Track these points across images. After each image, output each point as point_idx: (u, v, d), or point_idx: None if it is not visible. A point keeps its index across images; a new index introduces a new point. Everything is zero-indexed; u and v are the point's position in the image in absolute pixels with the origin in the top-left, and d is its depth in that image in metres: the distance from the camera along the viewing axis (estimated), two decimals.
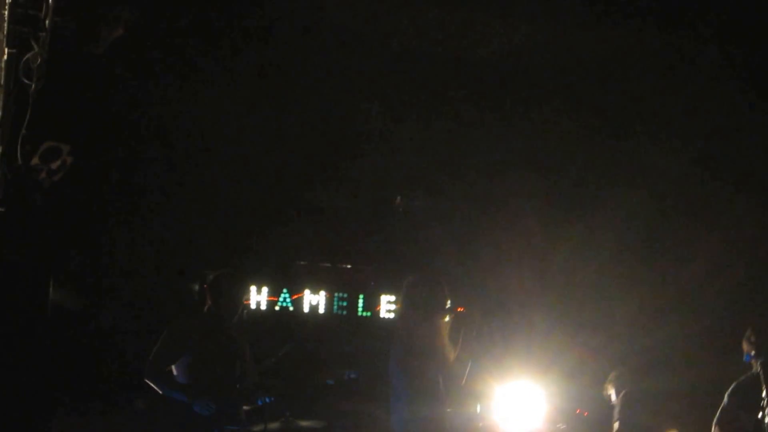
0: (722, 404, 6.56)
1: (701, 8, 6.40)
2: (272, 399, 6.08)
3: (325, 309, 8.73)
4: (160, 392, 5.72)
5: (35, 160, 3.95)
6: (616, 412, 6.98)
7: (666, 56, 7.26)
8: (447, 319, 5.47)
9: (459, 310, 5.52)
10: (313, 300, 8.71)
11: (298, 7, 6.59)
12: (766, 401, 6.18)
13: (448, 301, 5.47)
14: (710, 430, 6.63)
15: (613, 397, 7.07)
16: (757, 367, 6.40)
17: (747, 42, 6.82)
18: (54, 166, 3.70)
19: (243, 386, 5.82)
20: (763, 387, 6.18)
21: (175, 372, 5.78)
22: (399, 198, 8.64)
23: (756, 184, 7.72)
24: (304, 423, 6.95)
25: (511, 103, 7.78)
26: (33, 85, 3.71)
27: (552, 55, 7.33)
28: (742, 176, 7.75)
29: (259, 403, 5.97)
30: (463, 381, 5.45)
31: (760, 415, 6.17)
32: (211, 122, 7.77)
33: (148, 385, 5.74)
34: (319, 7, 6.58)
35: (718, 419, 6.53)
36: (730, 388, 6.51)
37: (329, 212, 8.56)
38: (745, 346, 6.39)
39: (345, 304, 8.76)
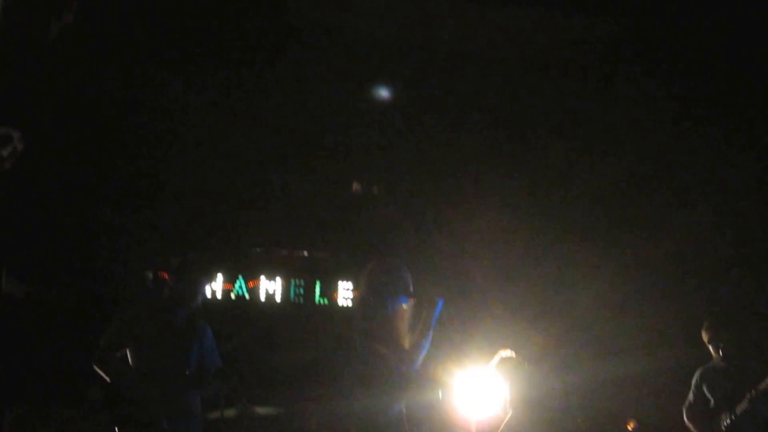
0: (689, 397, 6.61)
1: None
2: (226, 387, 6.00)
3: (282, 297, 8.62)
4: (108, 380, 5.62)
5: None
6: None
7: (616, 65, 7.35)
8: (407, 305, 5.40)
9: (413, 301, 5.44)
10: (270, 288, 8.60)
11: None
12: (730, 389, 6.25)
13: (410, 287, 5.39)
14: (667, 416, 6.67)
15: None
16: (718, 355, 6.48)
17: (691, 51, 6.92)
18: (4, 153, 3.54)
19: (197, 372, 5.73)
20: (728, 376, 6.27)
21: (129, 359, 5.69)
22: (357, 184, 8.57)
23: (714, 178, 7.82)
24: (261, 410, 6.87)
25: (473, 97, 7.79)
26: None
27: (507, 54, 7.38)
28: (696, 177, 7.85)
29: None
30: (422, 367, 5.38)
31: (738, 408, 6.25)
32: (166, 109, 7.67)
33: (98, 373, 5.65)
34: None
35: (690, 414, 6.58)
36: (695, 380, 6.57)
37: (286, 198, 8.47)
38: (704, 336, 6.50)
39: (302, 291, 8.65)
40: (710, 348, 6.55)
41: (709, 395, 6.47)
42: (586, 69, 7.68)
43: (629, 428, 6.92)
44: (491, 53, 7.61)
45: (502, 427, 6.11)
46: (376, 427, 5.16)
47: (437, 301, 5.27)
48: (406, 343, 5.29)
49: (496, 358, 6.43)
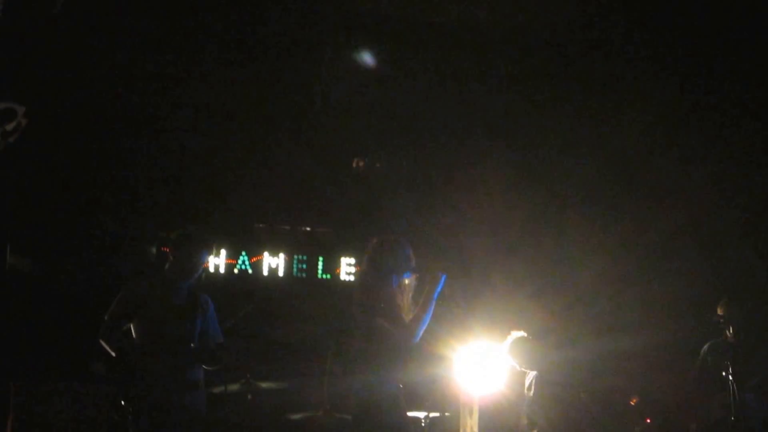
0: (695, 370, 6.64)
1: None
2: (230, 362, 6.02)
3: (285, 272, 8.66)
4: (112, 354, 5.65)
5: None
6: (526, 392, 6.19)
7: (626, 31, 7.33)
8: (409, 280, 5.42)
9: (415, 276, 5.45)
10: (273, 263, 8.63)
11: None
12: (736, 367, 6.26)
13: (412, 263, 5.41)
14: (670, 391, 6.69)
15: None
16: (728, 332, 6.48)
17: (708, 19, 6.91)
18: (9, 127, 3.55)
19: (201, 346, 5.76)
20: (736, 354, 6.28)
21: (133, 333, 5.72)
22: (359, 160, 8.57)
23: (713, 155, 7.82)
24: (264, 384, 6.91)
25: (474, 70, 7.77)
26: None
27: (516, 24, 7.36)
28: (700, 146, 7.84)
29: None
30: (424, 342, 5.40)
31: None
32: (168, 83, 7.66)
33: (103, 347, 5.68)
34: None
35: (695, 387, 6.60)
36: (702, 354, 6.60)
37: (289, 174, 8.47)
38: (718, 312, 6.50)
39: (305, 266, 8.68)
40: (721, 324, 6.55)
41: (714, 371, 6.50)
42: (586, 39, 7.66)
43: (632, 404, 6.96)
44: (492, 23, 7.59)
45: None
46: (373, 401, 5.20)
47: (439, 276, 5.29)
48: (408, 317, 5.32)
49: (510, 338, 6.44)
